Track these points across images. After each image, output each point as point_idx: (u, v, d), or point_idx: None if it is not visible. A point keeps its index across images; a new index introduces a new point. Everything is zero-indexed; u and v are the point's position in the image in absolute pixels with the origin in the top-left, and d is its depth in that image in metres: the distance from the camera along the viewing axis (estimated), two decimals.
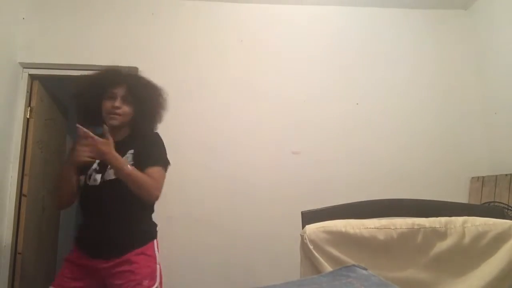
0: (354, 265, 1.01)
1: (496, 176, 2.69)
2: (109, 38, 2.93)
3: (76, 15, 2.94)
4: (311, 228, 1.25)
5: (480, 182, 2.82)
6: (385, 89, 3.05)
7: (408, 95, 3.05)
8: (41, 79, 2.94)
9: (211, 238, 2.69)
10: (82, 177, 1.63)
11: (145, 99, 1.69)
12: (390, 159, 2.91)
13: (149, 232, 1.71)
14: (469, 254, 1.21)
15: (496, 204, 2.49)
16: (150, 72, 2.85)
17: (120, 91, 1.64)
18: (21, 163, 2.73)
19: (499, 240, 1.20)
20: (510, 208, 2.34)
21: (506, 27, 2.79)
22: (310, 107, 2.96)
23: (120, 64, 2.89)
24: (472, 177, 2.90)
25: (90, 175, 1.61)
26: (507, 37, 2.77)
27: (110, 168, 1.58)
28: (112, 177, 1.58)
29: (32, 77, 2.88)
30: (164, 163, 1.68)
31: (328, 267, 1.17)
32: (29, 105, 2.84)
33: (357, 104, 3.00)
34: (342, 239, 1.22)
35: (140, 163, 1.59)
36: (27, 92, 2.83)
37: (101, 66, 2.85)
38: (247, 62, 3.01)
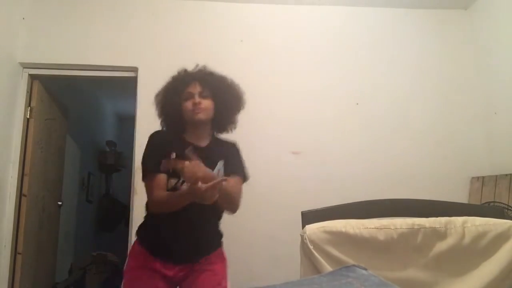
0: (354, 265, 1.01)
1: (496, 176, 2.69)
2: (109, 38, 2.93)
3: (76, 15, 2.94)
4: (311, 228, 1.25)
5: (480, 182, 2.82)
6: (385, 89, 3.05)
7: (408, 95, 3.05)
8: (41, 79, 2.94)
9: None
10: (174, 180, 1.57)
11: (219, 89, 1.72)
12: (390, 159, 2.91)
13: (221, 236, 1.76)
14: (469, 254, 1.21)
15: (496, 204, 2.49)
16: (150, 72, 2.90)
17: (195, 89, 1.66)
18: (21, 163, 2.73)
19: (499, 240, 1.20)
20: (510, 208, 2.34)
21: (506, 27, 2.79)
22: (310, 107, 2.95)
23: (120, 64, 2.93)
24: (472, 177, 2.90)
25: (183, 181, 1.52)
26: (507, 37, 2.77)
27: None
28: None
29: (32, 77, 2.88)
30: (244, 175, 1.73)
31: (328, 267, 1.17)
32: (29, 105, 2.84)
33: (357, 104, 3.00)
34: (342, 239, 1.22)
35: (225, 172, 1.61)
36: (27, 92, 2.83)
37: (101, 66, 2.91)
38: (247, 62, 3.01)
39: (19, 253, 2.64)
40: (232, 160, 1.69)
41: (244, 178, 1.72)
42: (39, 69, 2.88)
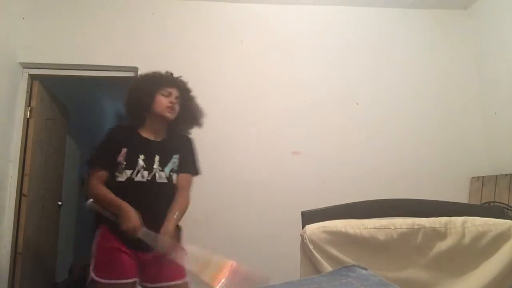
0: (354, 265, 1.02)
1: (496, 176, 2.69)
2: (109, 38, 2.93)
3: (76, 15, 2.94)
4: (311, 228, 1.25)
5: (480, 182, 2.82)
6: (385, 89, 3.05)
7: (408, 95, 3.05)
8: (41, 79, 2.94)
9: (210, 238, 2.68)
10: (128, 172, 1.74)
11: (190, 103, 1.94)
12: (390, 159, 2.91)
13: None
14: (469, 254, 1.21)
15: (496, 204, 2.49)
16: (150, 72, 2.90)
17: (174, 92, 1.87)
18: (21, 163, 2.73)
19: (499, 240, 1.20)
20: (510, 208, 2.34)
21: (506, 27, 2.79)
22: (310, 107, 2.95)
23: (120, 64, 2.93)
24: (472, 177, 2.90)
25: (138, 171, 1.74)
26: (507, 37, 2.76)
27: (161, 170, 1.77)
28: (164, 180, 1.78)
29: (32, 77, 2.88)
30: (195, 171, 1.91)
31: (328, 267, 1.17)
32: (29, 105, 2.84)
33: (357, 104, 3.00)
34: (342, 239, 1.22)
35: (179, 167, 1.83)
36: (27, 92, 2.83)
37: (101, 66, 2.91)
38: (247, 62, 3.01)
39: (19, 253, 2.64)
40: (185, 156, 1.88)
41: (195, 173, 1.91)
42: (39, 69, 2.88)
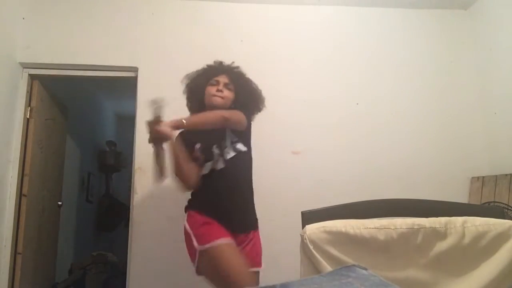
0: (354, 265, 1.01)
1: (496, 176, 2.69)
2: (109, 38, 2.92)
3: (76, 15, 2.94)
4: (311, 228, 1.25)
5: (480, 182, 2.82)
6: (385, 89, 3.05)
7: (408, 95, 3.05)
8: (41, 79, 2.94)
9: None
10: (209, 164, 1.81)
11: (243, 88, 1.98)
12: (390, 159, 2.91)
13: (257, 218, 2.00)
14: (469, 254, 1.21)
15: (496, 204, 2.49)
16: (150, 72, 2.90)
17: (222, 79, 1.92)
18: (21, 163, 2.73)
19: (499, 240, 1.20)
20: (510, 208, 2.34)
21: (506, 27, 2.79)
22: (310, 107, 2.95)
23: (120, 64, 2.93)
24: (472, 177, 2.90)
25: (217, 161, 1.81)
26: (507, 37, 2.77)
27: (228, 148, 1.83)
28: (233, 153, 1.84)
29: (32, 77, 2.88)
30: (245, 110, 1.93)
31: (328, 267, 1.17)
32: (29, 105, 2.84)
33: (357, 104, 3.00)
34: (342, 239, 1.22)
35: None
36: (27, 92, 2.83)
37: (101, 66, 2.91)
38: (247, 62, 3.00)
39: (19, 253, 2.64)
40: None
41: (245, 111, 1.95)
42: (39, 69, 2.88)
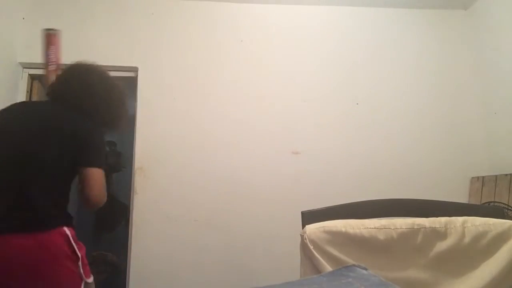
0: (354, 265, 1.02)
1: (496, 176, 2.69)
2: (109, 38, 2.92)
3: (76, 16, 2.93)
4: (311, 228, 1.25)
5: (480, 182, 2.82)
6: (385, 89, 3.05)
7: (408, 95, 3.05)
8: (41, 79, 2.93)
9: (210, 239, 2.69)
10: None
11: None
12: (390, 159, 2.91)
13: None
14: (469, 254, 1.21)
15: (496, 204, 2.49)
16: (150, 72, 2.90)
17: None
18: None
19: (499, 240, 1.20)
20: (510, 208, 2.34)
21: (506, 27, 2.78)
22: (310, 107, 2.95)
23: (120, 64, 2.93)
24: (472, 177, 2.90)
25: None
26: (507, 37, 2.76)
27: None
28: None
29: (32, 77, 2.87)
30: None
31: (328, 267, 1.17)
32: None
33: (357, 104, 3.00)
34: (342, 239, 1.22)
35: None
36: (27, 92, 2.83)
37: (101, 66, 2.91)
38: (247, 62, 3.01)
39: None
40: None
41: None
42: (39, 69, 2.87)
